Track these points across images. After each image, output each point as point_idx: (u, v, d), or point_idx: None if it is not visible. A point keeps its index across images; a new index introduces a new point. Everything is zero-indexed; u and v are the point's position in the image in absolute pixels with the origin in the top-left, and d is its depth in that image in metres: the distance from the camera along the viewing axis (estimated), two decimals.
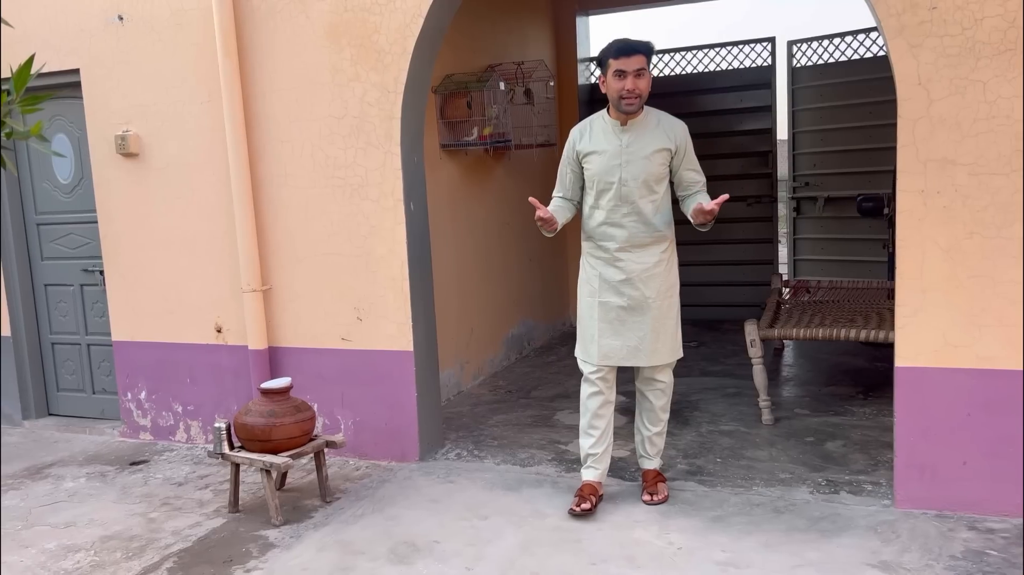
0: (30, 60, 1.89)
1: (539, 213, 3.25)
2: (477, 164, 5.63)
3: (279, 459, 3.53)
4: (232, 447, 3.69)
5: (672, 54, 7.29)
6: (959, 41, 3.09)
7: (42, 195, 5.07)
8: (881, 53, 6.53)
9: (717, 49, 7.12)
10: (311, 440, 3.72)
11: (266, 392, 3.64)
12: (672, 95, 6.91)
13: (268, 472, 3.57)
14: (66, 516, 3.79)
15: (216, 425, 3.66)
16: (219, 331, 4.51)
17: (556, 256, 6.95)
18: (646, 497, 3.54)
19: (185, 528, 3.58)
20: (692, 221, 3.33)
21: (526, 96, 5.70)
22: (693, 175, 3.42)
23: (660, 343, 3.41)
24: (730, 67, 7.09)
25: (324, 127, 4.11)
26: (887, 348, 4.64)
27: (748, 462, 3.95)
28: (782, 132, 7.24)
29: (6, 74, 4.42)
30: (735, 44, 7.06)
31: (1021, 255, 3.09)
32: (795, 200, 7.34)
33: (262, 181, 4.28)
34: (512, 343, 6.21)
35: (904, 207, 3.22)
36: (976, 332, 3.18)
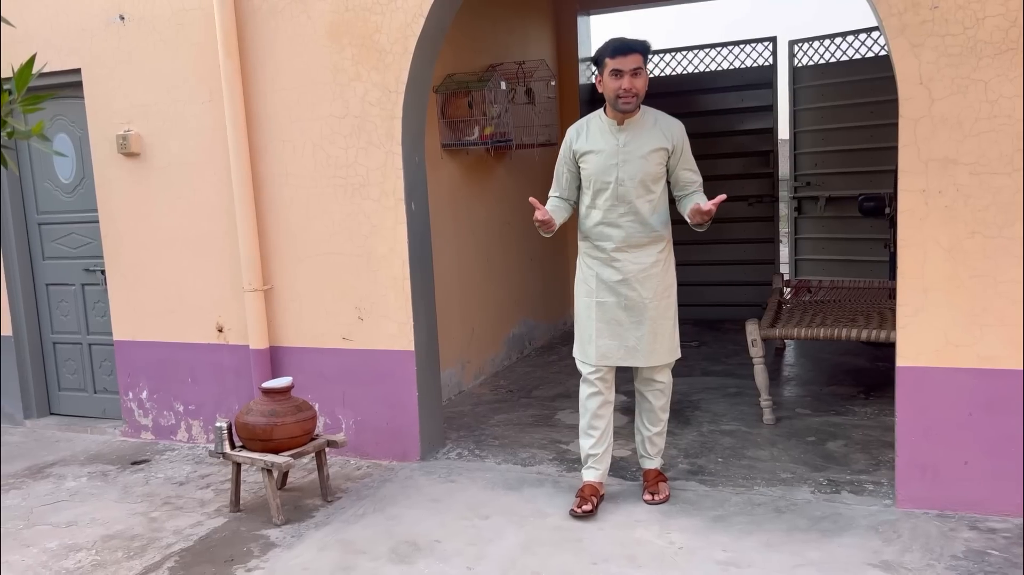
0: (31, 60, 1.89)
1: (538, 215, 3.24)
2: (478, 164, 5.63)
3: (280, 458, 3.53)
4: (233, 446, 3.69)
5: (674, 54, 7.28)
6: (960, 40, 3.09)
7: (43, 195, 5.08)
8: (882, 52, 6.53)
9: (719, 49, 7.12)
10: (312, 439, 3.72)
11: (267, 391, 3.64)
12: (674, 95, 6.92)
13: (269, 471, 3.57)
14: (67, 515, 3.79)
15: (217, 424, 3.66)
16: (220, 331, 4.52)
17: (557, 255, 6.95)
18: (647, 497, 3.54)
19: (186, 527, 3.58)
20: (689, 221, 3.33)
21: (527, 96, 5.70)
22: (690, 175, 3.41)
23: (658, 344, 3.40)
24: (731, 67, 7.09)
25: (325, 126, 4.11)
26: (888, 348, 4.63)
27: (749, 462, 3.95)
28: (783, 132, 7.24)
29: (7, 74, 4.42)
30: (736, 44, 7.06)
31: (1022, 255, 3.09)
32: (796, 200, 7.33)
33: (263, 181, 4.28)
34: (513, 342, 6.21)
35: (906, 207, 3.22)
36: (978, 332, 3.18)
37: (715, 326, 6.99)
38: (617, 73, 3.23)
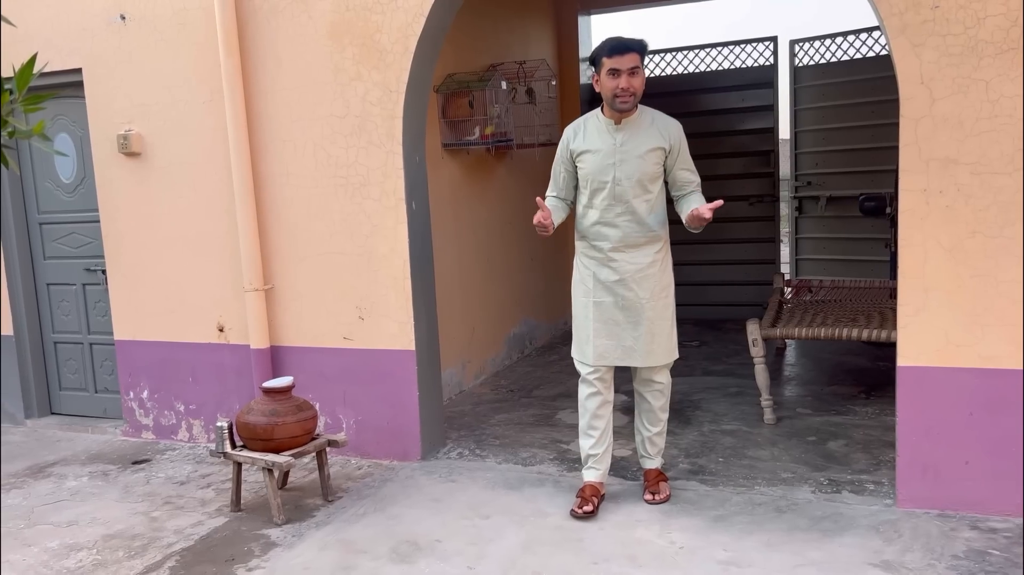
0: (32, 59, 1.89)
1: (539, 218, 3.23)
2: (479, 163, 5.63)
3: (281, 458, 3.53)
4: (234, 446, 3.69)
5: (674, 53, 7.28)
6: (961, 40, 3.08)
7: (44, 194, 5.08)
8: (883, 52, 6.52)
9: (719, 48, 7.11)
10: (313, 439, 3.72)
11: (268, 391, 3.64)
12: (674, 94, 6.92)
13: (270, 471, 3.57)
14: (68, 515, 3.80)
15: (218, 424, 3.66)
16: (221, 330, 4.52)
17: (558, 255, 6.94)
18: (648, 496, 3.54)
19: (187, 527, 3.58)
20: (686, 224, 3.32)
21: (528, 95, 5.70)
22: (687, 175, 3.40)
23: (655, 344, 3.39)
24: (732, 66, 7.08)
25: (326, 126, 4.11)
26: (889, 347, 4.63)
27: (750, 461, 3.95)
28: (784, 131, 7.24)
29: (8, 73, 4.41)
30: (737, 43, 7.06)
31: (1023, 254, 3.09)
32: (797, 199, 7.33)
33: (264, 180, 4.28)
34: (514, 342, 6.21)
35: (906, 206, 3.22)
36: (978, 331, 3.18)
37: (716, 326, 6.99)
38: (614, 72, 3.23)
